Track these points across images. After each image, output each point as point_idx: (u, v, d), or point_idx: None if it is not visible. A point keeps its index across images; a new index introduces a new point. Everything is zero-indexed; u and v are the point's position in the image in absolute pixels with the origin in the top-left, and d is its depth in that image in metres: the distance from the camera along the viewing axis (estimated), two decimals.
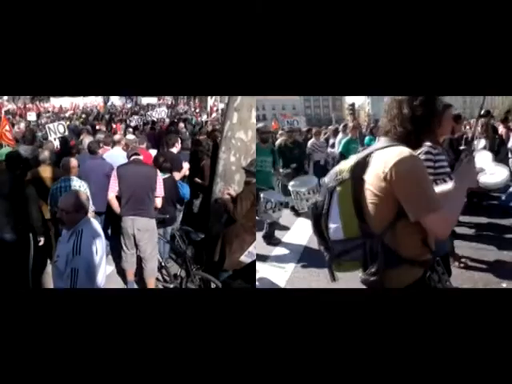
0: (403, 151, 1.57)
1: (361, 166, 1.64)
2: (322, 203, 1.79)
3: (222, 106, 18.21)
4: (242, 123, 4.42)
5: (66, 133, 8.05)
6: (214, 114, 12.21)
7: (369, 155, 1.64)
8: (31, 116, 14.01)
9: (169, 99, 30.16)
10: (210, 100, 14.50)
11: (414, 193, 1.54)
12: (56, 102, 26.85)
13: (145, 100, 24.94)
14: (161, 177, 4.42)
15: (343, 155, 7.21)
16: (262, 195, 5.51)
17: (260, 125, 6.17)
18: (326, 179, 1.82)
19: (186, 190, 5.31)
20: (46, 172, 4.63)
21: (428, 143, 2.87)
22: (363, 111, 71.79)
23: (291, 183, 6.22)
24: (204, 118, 12.01)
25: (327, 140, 10.34)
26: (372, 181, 1.59)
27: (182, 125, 9.14)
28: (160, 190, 4.35)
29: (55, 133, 7.67)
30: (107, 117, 15.12)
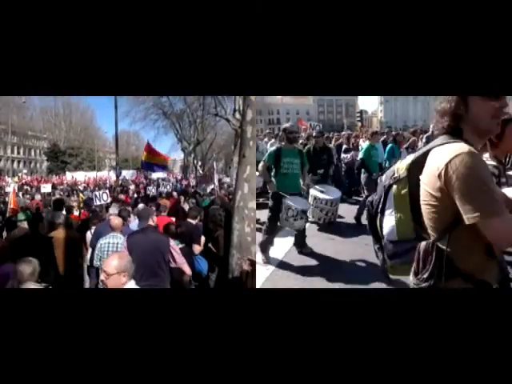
0: (461, 147, 1.44)
1: (418, 164, 1.55)
2: (377, 201, 1.73)
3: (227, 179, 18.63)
4: (253, 193, 4.43)
5: (109, 200, 8.55)
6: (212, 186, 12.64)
7: (427, 153, 1.54)
8: (46, 188, 14.30)
9: (179, 174, 31.02)
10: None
11: (471, 192, 1.38)
12: (69, 176, 27.78)
13: (155, 175, 25.77)
14: (175, 244, 4.15)
15: (363, 160, 6.99)
16: (285, 201, 5.14)
17: (287, 124, 5.91)
18: (383, 177, 1.76)
19: (204, 266, 4.94)
20: (60, 233, 5.07)
21: (491, 160, 2.52)
22: (376, 118, 71.30)
23: (315, 187, 5.94)
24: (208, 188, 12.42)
25: (340, 146, 10.57)
26: (428, 180, 1.50)
27: (181, 198, 9.23)
28: (179, 259, 3.97)
29: (99, 200, 8.19)
30: (119, 189, 15.40)
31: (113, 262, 2.54)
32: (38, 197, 11.46)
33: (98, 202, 8.14)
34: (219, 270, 5.26)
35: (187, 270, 4.02)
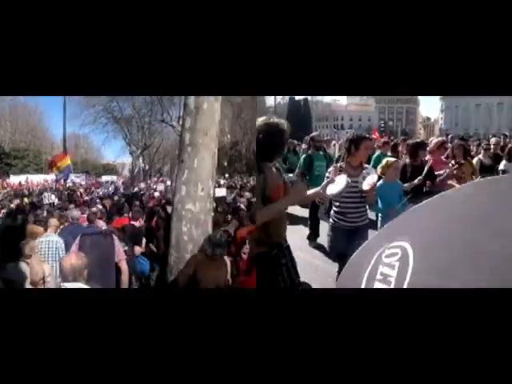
0: None
1: None
2: None
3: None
4: (190, 196, 4.63)
5: (56, 200, 10.26)
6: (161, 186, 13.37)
7: None
8: None
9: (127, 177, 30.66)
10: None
11: None
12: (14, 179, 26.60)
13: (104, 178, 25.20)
14: (119, 242, 4.39)
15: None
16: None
17: (314, 134, 7.33)
18: None
19: (146, 267, 5.23)
20: None
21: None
22: (437, 125, 72.48)
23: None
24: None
25: None
26: None
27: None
28: (120, 254, 4.22)
29: (48, 199, 10.04)
30: (66, 193, 15.06)
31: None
32: None
33: (47, 201, 9.40)
34: (160, 270, 5.51)
35: (124, 267, 4.24)
